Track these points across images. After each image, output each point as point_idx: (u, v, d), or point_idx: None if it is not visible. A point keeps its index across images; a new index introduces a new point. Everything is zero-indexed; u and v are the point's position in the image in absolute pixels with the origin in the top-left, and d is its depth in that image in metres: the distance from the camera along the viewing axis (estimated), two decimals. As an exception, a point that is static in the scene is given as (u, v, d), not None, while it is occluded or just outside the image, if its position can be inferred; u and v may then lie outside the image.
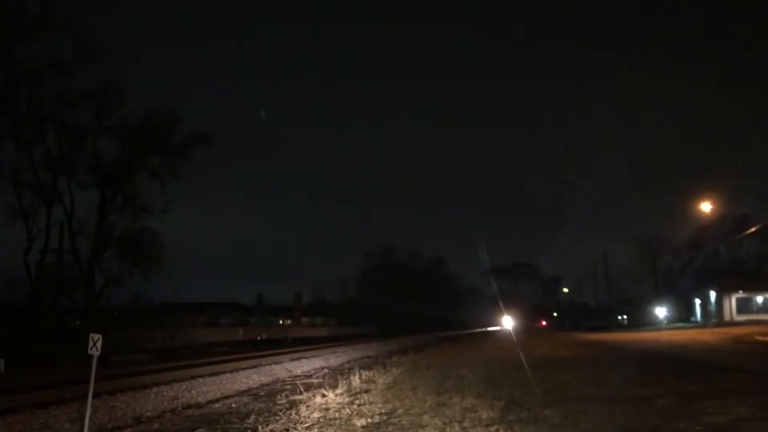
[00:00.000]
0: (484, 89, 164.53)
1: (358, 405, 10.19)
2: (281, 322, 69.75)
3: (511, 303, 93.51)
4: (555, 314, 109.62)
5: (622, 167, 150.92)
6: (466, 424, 8.16)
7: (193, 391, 14.88)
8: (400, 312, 75.59)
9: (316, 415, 9.58)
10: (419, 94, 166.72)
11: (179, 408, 12.53)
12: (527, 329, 73.16)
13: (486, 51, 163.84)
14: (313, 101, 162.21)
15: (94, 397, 10.62)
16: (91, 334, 10.07)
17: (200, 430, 9.50)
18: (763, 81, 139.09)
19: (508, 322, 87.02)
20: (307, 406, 10.47)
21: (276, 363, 23.59)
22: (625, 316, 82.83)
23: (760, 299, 52.77)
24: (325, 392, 11.85)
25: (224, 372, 19.38)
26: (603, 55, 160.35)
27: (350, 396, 11.43)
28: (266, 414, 10.54)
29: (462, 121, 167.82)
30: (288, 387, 14.98)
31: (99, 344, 10.02)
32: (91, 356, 10.00)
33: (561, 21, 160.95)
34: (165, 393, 14.31)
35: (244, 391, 14.95)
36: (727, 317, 51.84)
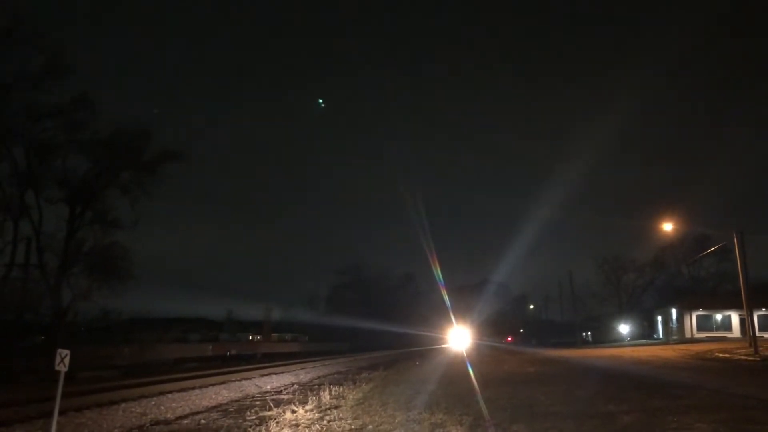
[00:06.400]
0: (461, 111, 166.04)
1: (328, 421, 10.28)
2: (251, 337, 69.12)
3: (477, 319, 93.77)
4: (521, 331, 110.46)
5: (588, 189, 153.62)
6: (435, 439, 8.32)
7: (162, 407, 14.77)
8: (370, 328, 75.50)
9: (285, 431, 9.66)
10: (392, 112, 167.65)
11: (147, 424, 12.42)
12: (486, 347, 70.33)
13: (457, 68, 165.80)
14: (285, 119, 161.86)
15: (60, 414, 10.53)
16: (59, 350, 9.99)
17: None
18: (725, 103, 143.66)
19: (460, 339, 67.67)
20: (277, 423, 10.53)
21: (246, 379, 23.48)
22: (589, 333, 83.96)
23: (719, 317, 54.11)
24: (295, 408, 11.93)
25: (193, 388, 19.23)
26: (561, 77, 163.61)
27: (320, 412, 11.51)
28: (236, 430, 10.58)
29: (435, 140, 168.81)
30: (258, 403, 14.96)
31: (67, 360, 9.95)
32: (58, 372, 9.92)
33: (514, 43, 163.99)
34: (133, 409, 14.19)
35: (213, 407, 14.87)
36: (688, 334, 53.01)
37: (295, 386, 20.50)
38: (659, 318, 65.13)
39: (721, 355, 28.68)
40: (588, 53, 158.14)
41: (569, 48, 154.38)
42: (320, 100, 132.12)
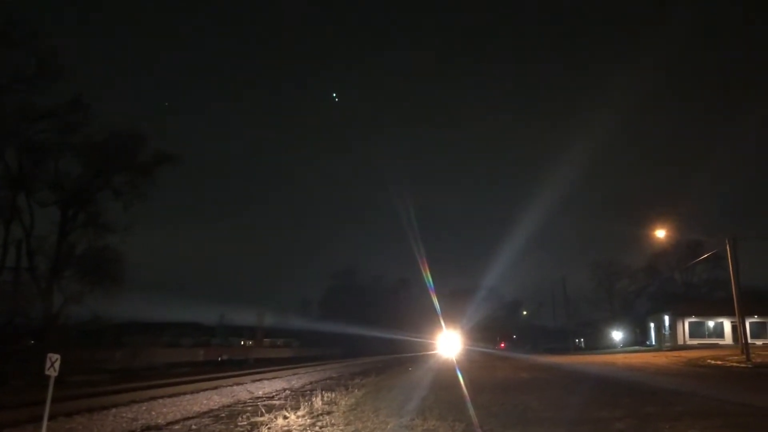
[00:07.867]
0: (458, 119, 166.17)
1: (320, 427, 10.22)
2: (243, 343, 68.96)
3: (469, 325, 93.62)
4: (514, 336, 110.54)
5: (582, 194, 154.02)
6: (427, 445, 8.28)
7: (153, 413, 14.67)
8: (362, 334, 75.45)
9: (278, 437, 9.60)
10: (386, 117, 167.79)
11: (138, 430, 12.33)
12: (478, 353, 69.20)
13: (444, 71, 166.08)
14: (278, 126, 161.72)
15: (50, 419, 10.43)
16: (49, 355, 9.90)
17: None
18: (718, 106, 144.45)
19: (450, 345, 65.07)
20: (269, 428, 10.47)
21: (237, 384, 23.36)
22: (582, 339, 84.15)
23: (711, 324, 54.32)
24: (287, 414, 11.85)
25: (185, 393, 19.11)
26: (555, 77, 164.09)
27: (312, 418, 11.45)
28: (228, 436, 10.51)
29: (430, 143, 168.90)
30: (249, 408, 14.87)
31: (57, 365, 9.86)
32: (48, 377, 9.83)
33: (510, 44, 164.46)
34: (124, 414, 14.08)
35: (204, 413, 14.77)
36: (680, 341, 53.19)
37: (287, 392, 20.40)
38: (652, 324, 65.33)
39: (713, 362, 28.78)
40: (585, 54, 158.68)
41: (566, 49, 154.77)
42: (334, 94, 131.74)
